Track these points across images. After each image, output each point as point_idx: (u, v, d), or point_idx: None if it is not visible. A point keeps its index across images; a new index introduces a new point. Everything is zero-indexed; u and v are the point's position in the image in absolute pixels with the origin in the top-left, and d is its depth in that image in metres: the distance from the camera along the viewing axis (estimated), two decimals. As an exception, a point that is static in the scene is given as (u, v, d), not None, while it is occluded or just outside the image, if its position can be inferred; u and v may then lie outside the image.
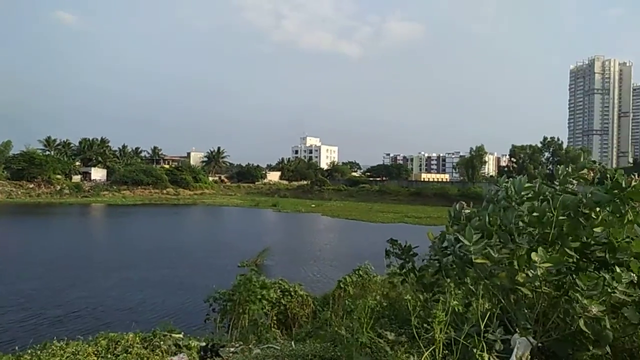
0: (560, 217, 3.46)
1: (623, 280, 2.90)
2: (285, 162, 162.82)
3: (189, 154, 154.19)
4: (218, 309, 12.63)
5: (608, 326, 3.02)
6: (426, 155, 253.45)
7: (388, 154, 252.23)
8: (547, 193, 3.69)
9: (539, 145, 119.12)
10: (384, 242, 4.90)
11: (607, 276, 2.96)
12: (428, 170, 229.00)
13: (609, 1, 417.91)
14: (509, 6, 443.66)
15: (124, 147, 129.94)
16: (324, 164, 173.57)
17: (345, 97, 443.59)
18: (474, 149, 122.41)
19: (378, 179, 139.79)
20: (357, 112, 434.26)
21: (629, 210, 3.41)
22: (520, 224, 3.60)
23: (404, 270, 4.57)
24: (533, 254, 3.30)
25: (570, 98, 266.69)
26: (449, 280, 4.11)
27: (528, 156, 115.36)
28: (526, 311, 3.58)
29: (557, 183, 3.75)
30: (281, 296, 13.34)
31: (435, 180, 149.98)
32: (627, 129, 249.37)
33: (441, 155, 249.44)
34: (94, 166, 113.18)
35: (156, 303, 20.60)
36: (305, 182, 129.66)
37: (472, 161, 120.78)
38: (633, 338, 3.32)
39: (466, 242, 3.42)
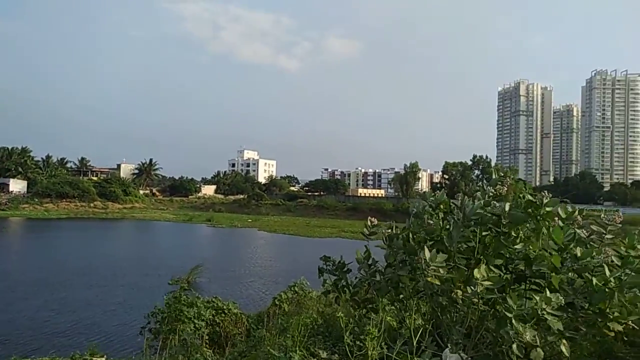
0: (484, 233, 3.54)
1: (552, 304, 2.95)
2: (222, 175, 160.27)
3: (119, 165, 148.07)
4: (149, 329, 12.07)
5: (539, 343, 3.05)
6: (363, 170, 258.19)
7: (326, 169, 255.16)
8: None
9: (470, 162, 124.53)
10: (321, 257, 4.84)
11: (537, 298, 3.00)
12: (365, 186, 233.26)
13: (535, 29, 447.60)
14: (443, 29, 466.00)
15: (48, 157, 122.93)
16: (261, 178, 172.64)
17: (284, 111, 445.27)
18: (409, 165, 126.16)
19: (316, 193, 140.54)
20: (296, 127, 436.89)
21: (544, 226, 3.56)
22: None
23: (339, 287, 4.50)
24: (475, 271, 3.33)
25: (498, 118, 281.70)
26: (381, 297, 4.09)
27: (459, 173, 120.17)
28: (459, 327, 3.61)
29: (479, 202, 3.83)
30: (214, 315, 12.95)
31: (372, 195, 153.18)
32: (548, 149, 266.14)
33: (377, 171, 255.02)
34: (13, 177, 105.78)
35: (87, 324, 19.58)
36: (242, 196, 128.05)
37: (407, 177, 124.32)
38: (554, 347, 3.41)
39: (426, 259, 3.37)
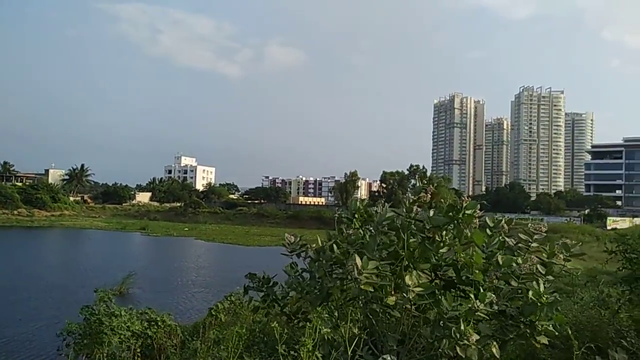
0: (412, 240, 3.62)
1: (487, 301, 3.05)
2: (157, 182, 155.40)
3: (47, 171, 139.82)
4: (73, 343, 11.36)
5: (474, 342, 3.13)
6: (304, 179, 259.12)
7: (267, 177, 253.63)
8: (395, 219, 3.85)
9: (407, 172, 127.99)
10: (260, 265, 4.83)
11: (472, 296, 3.09)
12: (305, 194, 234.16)
13: (471, 44, 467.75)
14: (383, 42, 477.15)
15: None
16: (199, 185, 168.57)
17: (224, 118, 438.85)
18: (348, 174, 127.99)
19: (256, 201, 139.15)
20: (237, 134, 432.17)
21: (466, 230, 3.68)
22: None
23: (267, 303, 4.47)
24: (407, 278, 3.39)
25: (434, 130, 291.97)
26: (313, 308, 4.09)
27: (397, 182, 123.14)
28: (393, 334, 3.65)
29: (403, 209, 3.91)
30: (147, 327, 12.41)
31: (312, 203, 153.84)
32: (481, 161, 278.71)
33: (318, 179, 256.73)
34: None
35: (3, 343, 18.27)
36: (178, 204, 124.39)
37: (346, 186, 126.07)
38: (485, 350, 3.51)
39: (359, 267, 3.39)
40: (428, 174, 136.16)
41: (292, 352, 3.74)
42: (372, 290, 3.37)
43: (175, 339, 12.81)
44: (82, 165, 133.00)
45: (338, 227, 4.06)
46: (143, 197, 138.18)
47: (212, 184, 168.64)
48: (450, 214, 3.63)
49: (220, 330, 7.39)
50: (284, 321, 4.53)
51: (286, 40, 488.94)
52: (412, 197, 4.05)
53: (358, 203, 4.14)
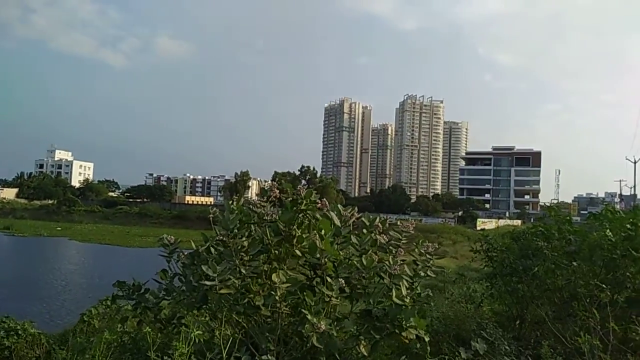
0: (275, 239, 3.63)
1: (334, 288, 3.11)
2: (26, 177, 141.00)
3: None
4: None
5: (335, 334, 3.19)
6: (191, 177, 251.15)
7: (151, 174, 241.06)
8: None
9: (298, 172, 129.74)
10: (140, 267, 4.51)
11: (323, 288, 3.13)
12: (193, 193, 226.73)
13: (360, 51, 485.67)
14: (277, 41, 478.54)
15: None
16: (75, 182, 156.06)
17: (106, 110, 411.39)
18: (239, 173, 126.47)
19: (139, 200, 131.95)
20: (119, 128, 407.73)
21: (310, 220, 3.80)
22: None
23: (138, 311, 4.19)
24: (273, 276, 3.38)
25: (324, 133, 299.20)
26: (188, 312, 3.93)
27: (281, 182, 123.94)
28: (268, 333, 3.62)
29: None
30: (4, 337, 11.16)
31: (200, 203, 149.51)
32: (367, 163, 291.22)
33: (207, 178, 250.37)
34: None
35: None
36: (50, 202, 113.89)
37: (237, 185, 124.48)
38: (356, 349, 3.59)
39: (210, 273, 3.36)
40: (318, 174, 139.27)
41: (165, 358, 3.59)
42: (232, 291, 3.31)
43: (39, 350, 11.67)
44: None
45: (214, 228, 3.93)
46: (8, 194, 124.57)
47: (90, 181, 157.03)
48: (295, 207, 3.69)
49: (87, 338, 6.80)
50: (158, 328, 4.31)
51: (176, 33, 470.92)
52: (261, 197, 4.06)
53: (235, 203, 4.03)
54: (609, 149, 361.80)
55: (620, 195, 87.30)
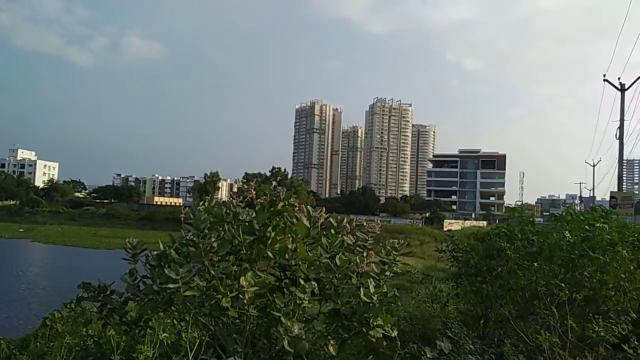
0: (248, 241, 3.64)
1: (307, 291, 3.13)
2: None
3: None
4: None
5: (304, 337, 3.21)
6: (160, 177, 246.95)
7: (119, 175, 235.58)
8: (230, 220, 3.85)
9: (269, 174, 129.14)
10: (107, 269, 4.46)
11: (295, 290, 3.15)
12: (162, 194, 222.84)
13: (331, 54, 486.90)
14: (250, 43, 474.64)
15: None
16: (39, 182, 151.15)
17: (73, 109, 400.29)
18: (209, 174, 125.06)
19: (106, 201, 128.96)
20: (87, 127, 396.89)
21: (286, 222, 3.81)
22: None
23: (104, 313, 4.13)
24: (242, 279, 3.36)
25: (295, 134, 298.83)
26: (154, 314, 3.89)
27: (259, 184, 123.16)
28: (236, 335, 3.61)
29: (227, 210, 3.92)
30: (-41, 343, 10.72)
31: (169, 204, 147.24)
32: (337, 165, 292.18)
33: (176, 178, 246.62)
34: None
35: None
36: (12, 202, 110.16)
37: (206, 186, 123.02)
38: (325, 349, 3.62)
39: (173, 276, 3.33)
40: (289, 176, 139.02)
41: (130, 361, 3.52)
42: (197, 293, 3.30)
43: (-2, 355, 11.28)
44: None
45: (182, 229, 3.90)
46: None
47: (55, 181, 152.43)
48: (272, 208, 3.69)
49: (48, 343, 6.62)
50: (123, 330, 4.24)
51: (146, 32, 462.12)
52: (236, 197, 4.06)
53: (205, 203, 4.02)
54: (570, 152, 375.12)
55: (581, 197, 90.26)
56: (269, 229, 3.67)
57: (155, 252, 3.97)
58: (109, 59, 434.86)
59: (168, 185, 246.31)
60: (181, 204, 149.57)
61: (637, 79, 29.82)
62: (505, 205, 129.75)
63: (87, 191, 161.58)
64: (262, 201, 3.86)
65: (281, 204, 3.70)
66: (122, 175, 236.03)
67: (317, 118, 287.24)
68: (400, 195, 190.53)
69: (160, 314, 3.92)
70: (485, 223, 78.13)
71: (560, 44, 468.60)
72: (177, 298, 3.62)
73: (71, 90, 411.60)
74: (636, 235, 6.14)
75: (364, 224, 4.15)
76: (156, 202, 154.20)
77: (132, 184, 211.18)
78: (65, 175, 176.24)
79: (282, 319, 3.15)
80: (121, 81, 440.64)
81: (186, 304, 3.54)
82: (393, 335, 3.42)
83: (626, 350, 4.02)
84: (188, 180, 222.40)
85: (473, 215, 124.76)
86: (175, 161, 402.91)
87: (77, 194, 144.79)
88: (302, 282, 3.29)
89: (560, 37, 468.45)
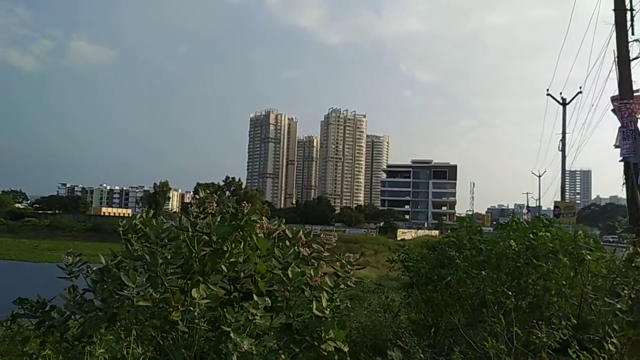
0: (202, 254, 3.56)
1: (260, 306, 3.08)
2: None
3: None
4: None
5: (254, 352, 3.16)
6: (108, 187, 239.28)
7: (64, 184, 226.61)
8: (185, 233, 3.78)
9: (222, 183, 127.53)
10: (49, 284, 4.24)
11: (247, 305, 3.10)
12: (110, 204, 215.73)
13: (286, 63, 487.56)
14: (202, 50, 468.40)
15: None
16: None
17: (11, 115, 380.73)
18: (159, 184, 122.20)
19: (49, 212, 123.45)
20: (28, 134, 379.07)
21: (245, 237, 3.77)
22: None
23: (42, 330, 3.92)
24: (193, 291, 3.30)
25: (249, 143, 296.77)
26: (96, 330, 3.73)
27: (212, 194, 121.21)
28: (184, 350, 3.52)
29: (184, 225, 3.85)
30: None
31: (117, 215, 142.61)
32: (293, 175, 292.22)
33: (125, 188, 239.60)
34: None
35: None
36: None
37: (156, 196, 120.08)
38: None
39: (130, 285, 3.21)
40: (243, 186, 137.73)
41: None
42: (150, 304, 3.21)
43: None
44: None
45: (126, 241, 3.78)
46: None
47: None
48: (234, 222, 3.63)
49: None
50: (64, 348, 4.04)
51: (93, 36, 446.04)
52: (196, 208, 3.97)
53: (144, 214, 3.91)
54: (518, 163, 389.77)
55: (528, 206, 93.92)
56: (227, 242, 3.60)
57: (95, 267, 3.79)
58: (55, 63, 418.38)
59: (117, 196, 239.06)
60: (130, 215, 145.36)
61: (577, 94, 31.41)
62: (456, 214, 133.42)
63: (29, 202, 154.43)
64: (222, 214, 3.80)
65: (244, 219, 3.63)
66: (68, 185, 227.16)
67: (272, 127, 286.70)
68: (355, 205, 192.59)
69: (102, 330, 3.76)
70: (437, 232, 79.93)
71: (508, 59, 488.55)
72: (122, 312, 3.50)
73: (12, 95, 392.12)
74: (574, 243, 6.42)
75: (321, 235, 4.15)
76: (104, 212, 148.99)
77: (79, 194, 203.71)
78: (4, 185, 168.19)
79: (232, 334, 3.09)
80: (67, 86, 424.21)
81: (136, 316, 3.42)
82: (345, 349, 3.41)
83: (568, 355, 4.17)
84: (137, 191, 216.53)
85: (425, 225, 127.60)
86: (125, 171, 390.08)
87: (17, 205, 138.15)
88: (255, 297, 3.23)
89: (508, 52, 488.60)
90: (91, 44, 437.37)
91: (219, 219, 3.85)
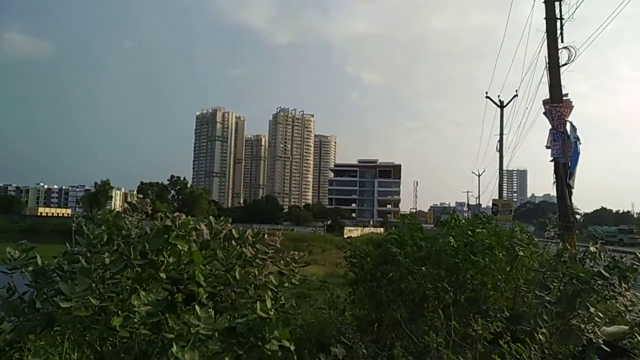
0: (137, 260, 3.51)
1: (202, 316, 3.06)
2: None
3: None
4: None
5: (196, 357, 3.11)
6: (46, 186, 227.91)
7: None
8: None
9: (167, 183, 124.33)
10: None
11: (189, 317, 3.06)
12: (48, 204, 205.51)
13: (234, 62, 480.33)
14: (148, 45, 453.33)
15: None
16: None
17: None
18: (100, 183, 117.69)
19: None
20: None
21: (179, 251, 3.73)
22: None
23: None
24: (133, 297, 3.22)
25: (195, 142, 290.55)
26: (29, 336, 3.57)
27: (155, 193, 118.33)
28: (124, 355, 3.44)
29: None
30: None
31: (55, 215, 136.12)
32: (240, 174, 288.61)
33: (64, 187, 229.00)
34: None
35: None
36: None
37: (97, 196, 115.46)
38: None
39: (67, 293, 3.09)
40: (189, 185, 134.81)
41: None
42: (88, 313, 3.11)
43: None
44: None
45: (75, 241, 3.64)
46: None
47: None
48: (166, 235, 3.59)
49: None
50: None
51: (31, 29, 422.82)
52: (130, 212, 3.90)
53: (105, 213, 3.78)
54: (460, 162, 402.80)
55: (468, 204, 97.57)
56: (163, 253, 3.54)
57: (30, 269, 3.60)
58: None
59: (55, 195, 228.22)
60: (70, 215, 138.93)
61: (513, 97, 33.02)
62: (400, 212, 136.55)
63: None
64: (157, 222, 3.72)
65: (174, 234, 3.56)
66: (1, 184, 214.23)
67: (219, 125, 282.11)
68: (303, 204, 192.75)
69: (35, 335, 3.59)
70: (382, 230, 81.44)
71: (452, 62, 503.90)
72: (58, 318, 3.38)
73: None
74: (510, 239, 6.74)
75: (266, 237, 4.15)
76: (41, 213, 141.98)
77: (13, 193, 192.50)
78: None
79: (174, 344, 3.02)
80: (1, 81, 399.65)
81: (74, 323, 3.30)
82: (290, 347, 3.44)
83: (501, 346, 4.39)
84: (78, 190, 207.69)
85: (371, 222, 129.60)
86: (63, 169, 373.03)
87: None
88: (197, 308, 3.17)
89: (452, 56, 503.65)
90: (25, 36, 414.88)
91: (151, 230, 3.76)
